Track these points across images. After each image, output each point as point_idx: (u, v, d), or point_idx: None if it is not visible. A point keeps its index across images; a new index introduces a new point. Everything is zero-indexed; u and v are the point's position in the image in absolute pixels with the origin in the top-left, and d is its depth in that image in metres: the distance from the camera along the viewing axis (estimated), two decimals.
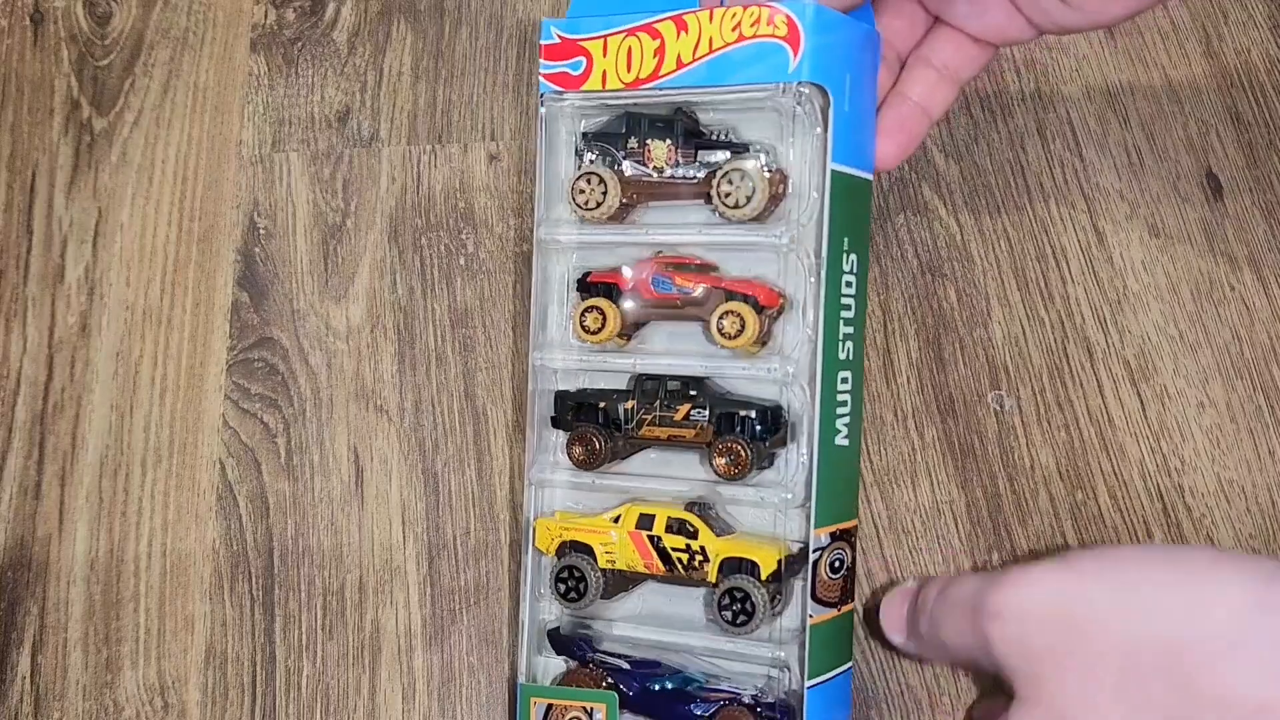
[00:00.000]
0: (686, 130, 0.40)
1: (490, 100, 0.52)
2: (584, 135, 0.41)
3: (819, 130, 0.38)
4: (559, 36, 0.39)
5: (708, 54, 0.38)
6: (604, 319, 0.39)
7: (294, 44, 0.53)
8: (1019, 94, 0.52)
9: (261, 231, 0.49)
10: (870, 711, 0.41)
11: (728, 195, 0.38)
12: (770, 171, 0.39)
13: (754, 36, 0.37)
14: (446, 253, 0.49)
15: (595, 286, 0.40)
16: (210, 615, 0.43)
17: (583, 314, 0.40)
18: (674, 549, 0.38)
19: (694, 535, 0.38)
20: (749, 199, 0.38)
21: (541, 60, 0.40)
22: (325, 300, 0.48)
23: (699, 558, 0.38)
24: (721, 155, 0.39)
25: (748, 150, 0.39)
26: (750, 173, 0.38)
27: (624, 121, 0.40)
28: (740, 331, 0.38)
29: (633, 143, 0.40)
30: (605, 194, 0.39)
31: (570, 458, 0.40)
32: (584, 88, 0.39)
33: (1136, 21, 0.54)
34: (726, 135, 0.40)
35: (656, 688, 0.38)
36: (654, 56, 0.38)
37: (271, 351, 0.47)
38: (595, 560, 0.39)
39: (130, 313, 0.47)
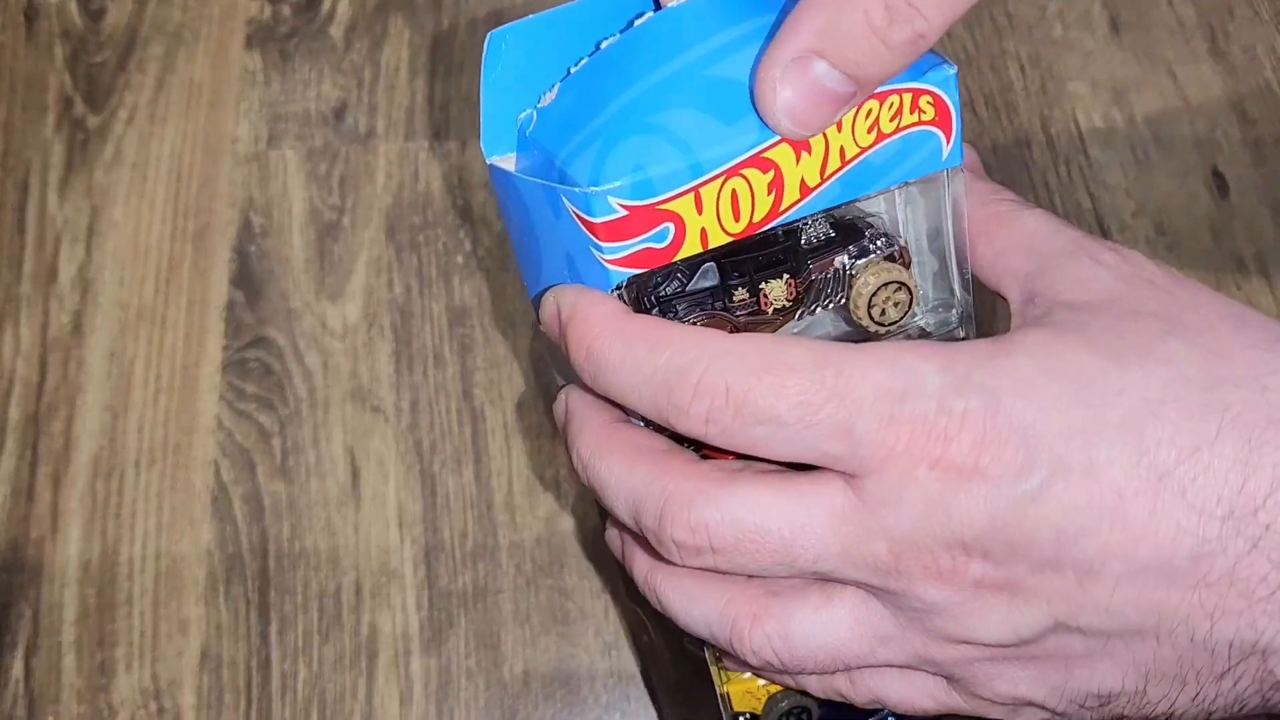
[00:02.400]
0: (796, 251, 0.31)
1: None
2: (655, 299, 0.30)
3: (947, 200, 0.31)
4: (624, 207, 0.27)
5: (840, 168, 0.29)
6: None
7: (290, 39, 0.53)
8: (1024, 90, 0.52)
9: (257, 229, 0.49)
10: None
11: (883, 314, 0.31)
12: (900, 257, 0.31)
13: (896, 131, 0.29)
14: (444, 251, 0.48)
15: None
16: (205, 618, 0.42)
17: None
18: None
19: None
20: (909, 307, 0.31)
21: (600, 243, 0.27)
22: (321, 299, 0.47)
23: None
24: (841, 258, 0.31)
25: (862, 236, 0.31)
26: (908, 283, 0.31)
27: (718, 273, 0.30)
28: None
29: (741, 293, 0.30)
30: None
31: None
32: (679, 258, 0.28)
33: (1143, 17, 0.54)
34: (820, 223, 0.31)
35: None
36: (769, 192, 0.28)
37: (267, 351, 0.46)
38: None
39: (124, 312, 0.47)
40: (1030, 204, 0.30)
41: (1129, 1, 0.54)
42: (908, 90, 0.28)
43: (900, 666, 0.28)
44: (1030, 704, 0.28)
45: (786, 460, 0.26)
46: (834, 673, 0.29)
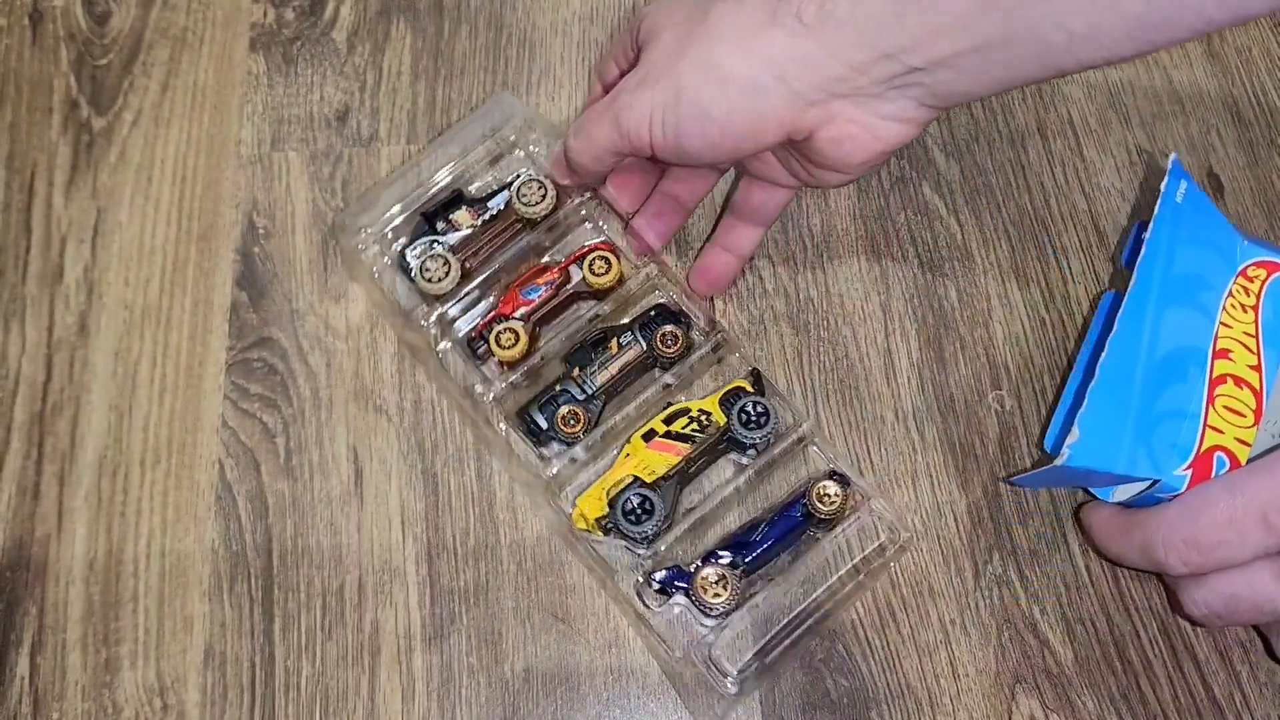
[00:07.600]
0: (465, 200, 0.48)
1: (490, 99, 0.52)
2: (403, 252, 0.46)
3: None
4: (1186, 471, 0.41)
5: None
6: (516, 336, 0.45)
7: (293, 43, 0.53)
8: (1020, 93, 0.52)
9: (260, 231, 0.49)
10: (870, 712, 0.41)
11: (526, 199, 0.47)
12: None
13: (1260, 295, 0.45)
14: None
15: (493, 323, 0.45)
16: (209, 616, 0.43)
17: (498, 336, 0.45)
18: (683, 429, 0.44)
19: (687, 412, 0.44)
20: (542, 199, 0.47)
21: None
22: (324, 300, 0.48)
23: (704, 418, 0.44)
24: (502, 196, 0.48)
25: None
26: (542, 180, 0.47)
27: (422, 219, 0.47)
28: (608, 270, 0.46)
29: (440, 224, 0.47)
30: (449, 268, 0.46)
31: (564, 435, 0.44)
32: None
33: None
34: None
35: (760, 539, 0.43)
36: (1244, 387, 0.43)
37: (271, 351, 0.47)
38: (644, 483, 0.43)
39: (129, 312, 0.47)
40: None
41: None
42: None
43: None
44: None
45: (1247, 560, 0.38)
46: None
